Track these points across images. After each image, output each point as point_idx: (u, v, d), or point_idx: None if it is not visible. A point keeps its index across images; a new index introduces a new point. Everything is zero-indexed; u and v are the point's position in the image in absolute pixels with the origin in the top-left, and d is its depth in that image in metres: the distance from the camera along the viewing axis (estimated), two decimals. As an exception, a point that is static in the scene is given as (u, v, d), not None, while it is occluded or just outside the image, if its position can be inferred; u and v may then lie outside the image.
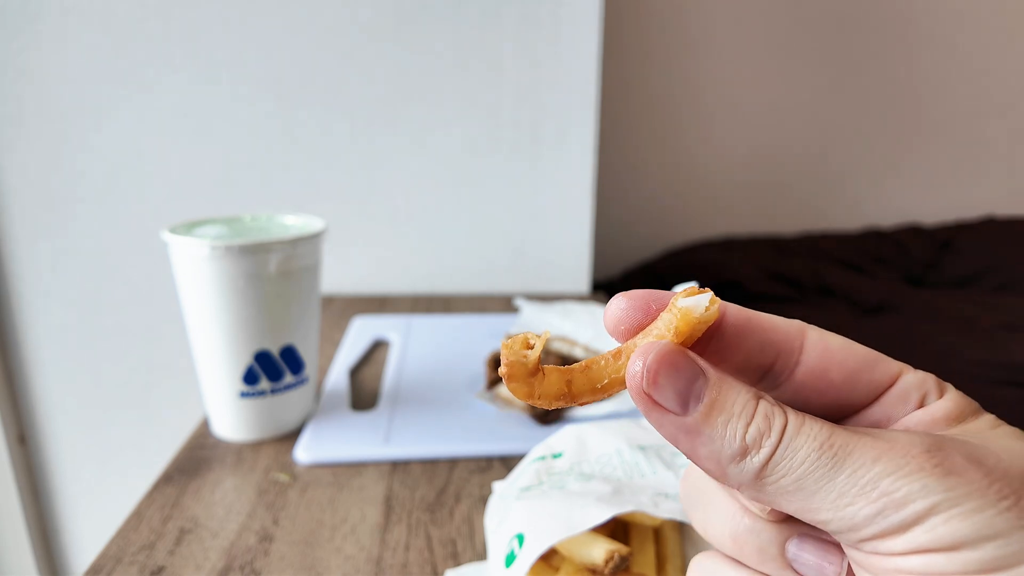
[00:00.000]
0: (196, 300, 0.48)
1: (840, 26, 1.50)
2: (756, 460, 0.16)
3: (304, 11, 0.82)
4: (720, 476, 0.17)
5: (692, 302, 0.18)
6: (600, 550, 0.32)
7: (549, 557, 0.34)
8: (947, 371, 0.94)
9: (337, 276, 0.92)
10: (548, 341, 0.62)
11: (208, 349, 0.49)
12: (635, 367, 0.17)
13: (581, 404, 0.19)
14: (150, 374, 0.92)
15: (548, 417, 0.54)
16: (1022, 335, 1.01)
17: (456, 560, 0.40)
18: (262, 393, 0.51)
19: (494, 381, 0.58)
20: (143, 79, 0.83)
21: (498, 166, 0.90)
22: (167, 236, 0.48)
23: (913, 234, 1.45)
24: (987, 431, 0.18)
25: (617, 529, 0.35)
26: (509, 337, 0.18)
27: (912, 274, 1.36)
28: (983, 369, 0.92)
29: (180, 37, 0.82)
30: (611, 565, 0.31)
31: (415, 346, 0.71)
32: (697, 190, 1.55)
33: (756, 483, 0.17)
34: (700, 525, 0.21)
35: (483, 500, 0.45)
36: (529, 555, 0.31)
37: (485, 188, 0.90)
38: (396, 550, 0.41)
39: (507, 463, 0.50)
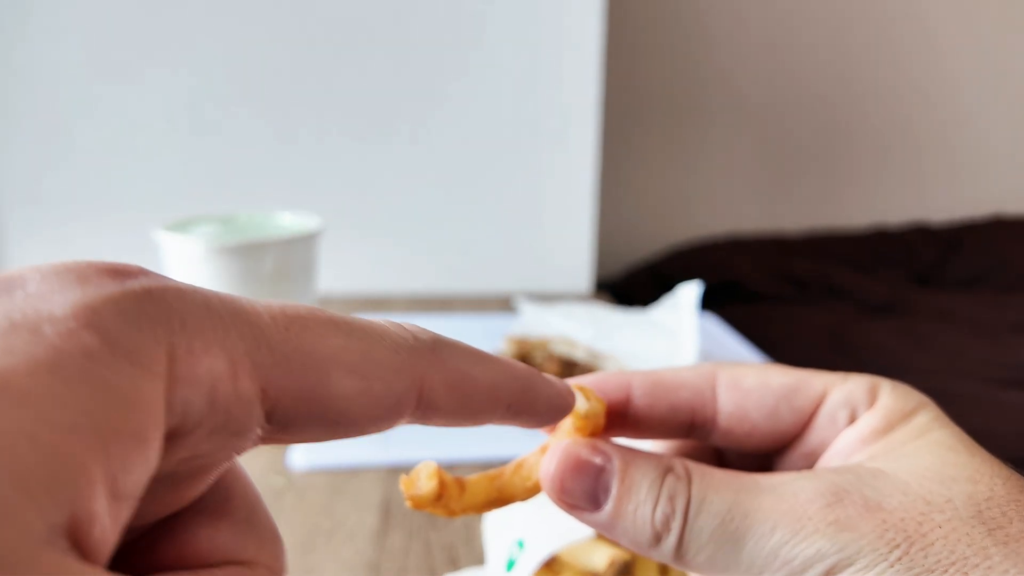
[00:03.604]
0: (190, 300, 0.48)
1: (846, 22, 1.50)
2: (669, 543, 0.17)
3: (301, 7, 0.82)
4: (647, 555, 0.18)
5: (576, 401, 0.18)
6: (602, 556, 0.31)
7: (550, 563, 0.33)
8: (954, 371, 0.94)
9: (334, 276, 0.91)
10: (549, 343, 0.62)
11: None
12: (545, 472, 0.18)
13: (512, 503, 0.19)
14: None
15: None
16: (1030, 335, 1.00)
17: (455, 565, 0.40)
18: (257, 395, 0.50)
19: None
20: (137, 76, 0.82)
21: (498, 164, 0.89)
22: (161, 235, 0.47)
23: (920, 234, 1.45)
24: (909, 444, 0.17)
25: None
26: (404, 477, 0.18)
27: (919, 274, 1.35)
28: (990, 369, 0.92)
29: (175, 34, 0.81)
30: (613, 571, 0.31)
31: (415, 347, 0.70)
32: (702, 188, 1.55)
33: (679, 562, 0.17)
34: None
35: (483, 504, 0.45)
36: (530, 561, 0.30)
37: (484, 187, 0.90)
38: (394, 555, 0.40)
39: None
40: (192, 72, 0.83)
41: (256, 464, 0.49)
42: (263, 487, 0.46)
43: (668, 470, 0.17)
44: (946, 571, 0.14)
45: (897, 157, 1.61)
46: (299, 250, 0.50)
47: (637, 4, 1.39)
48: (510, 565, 0.31)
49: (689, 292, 0.62)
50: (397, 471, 0.49)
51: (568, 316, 0.71)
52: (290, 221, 0.54)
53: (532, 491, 0.19)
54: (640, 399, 0.19)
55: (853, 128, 1.57)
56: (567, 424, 0.18)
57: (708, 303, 1.09)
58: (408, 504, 0.18)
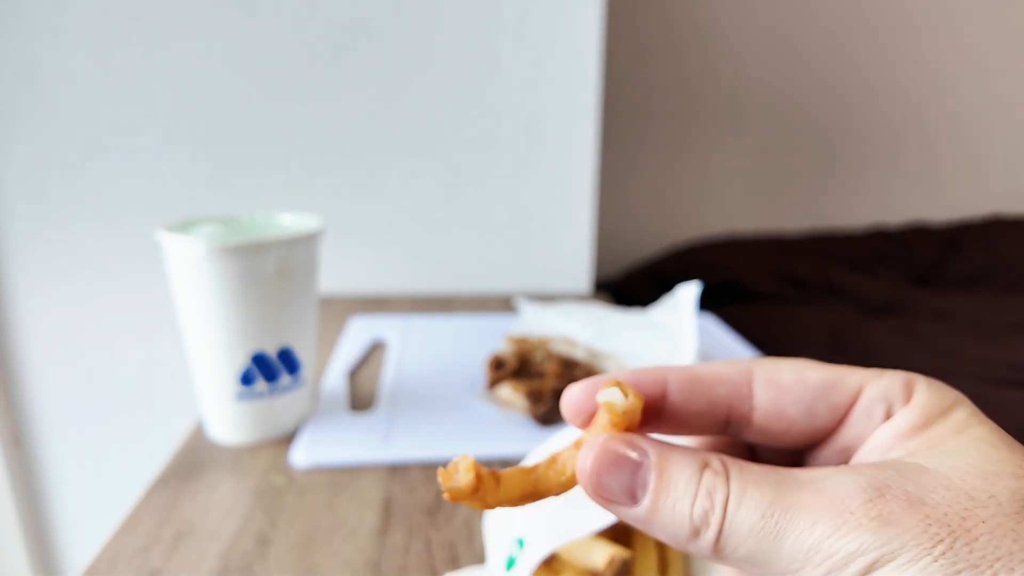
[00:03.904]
0: (191, 301, 0.48)
1: (845, 25, 1.50)
2: (708, 537, 0.17)
3: (302, 9, 0.82)
4: (684, 549, 0.18)
5: (611, 396, 0.18)
6: (602, 555, 0.32)
7: (550, 561, 0.33)
8: (953, 371, 0.94)
9: (335, 276, 0.92)
10: (549, 342, 0.62)
11: (203, 350, 0.49)
12: (582, 468, 0.18)
13: (546, 497, 0.19)
14: (146, 376, 0.91)
15: (549, 419, 0.54)
16: (1029, 335, 1.00)
17: (456, 564, 0.40)
18: (259, 395, 0.50)
19: (494, 382, 0.57)
20: (139, 77, 0.82)
21: (497, 165, 0.89)
22: (162, 235, 0.47)
23: (919, 234, 1.45)
24: (950, 440, 0.17)
25: (619, 533, 0.35)
26: (441, 469, 0.18)
27: (918, 274, 1.35)
28: (990, 369, 0.92)
29: (176, 35, 0.81)
30: (612, 570, 0.31)
31: (414, 347, 0.70)
32: (701, 189, 1.55)
33: (717, 556, 0.17)
34: None
35: (483, 503, 0.45)
36: (530, 560, 0.30)
37: (484, 187, 0.90)
38: (395, 554, 0.40)
39: (507, 465, 0.49)
40: (193, 74, 0.83)
41: (258, 463, 0.49)
42: (265, 486, 0.47)
43: (706, 465, 0.17)
44: (991, 566, 0.14)
45: (896, 158, 1.61)
46: (300, 250, 0.50)
47: (636, 6, 1.39)
48: (510, 564, 0.32)
49: (688, 292, 0.62)
50: (397, 470, 0.49)
51: (568, 316, 0.71)
52: (291, 222, 0.54)
53: (567, 485, 0.19)
54: (676, 395, 0.19)
55: (852, 129, 1.57)
56: (603, 419, 0.18)
57: (707, 303, 1.10)
58: (445, 496, 0.18)
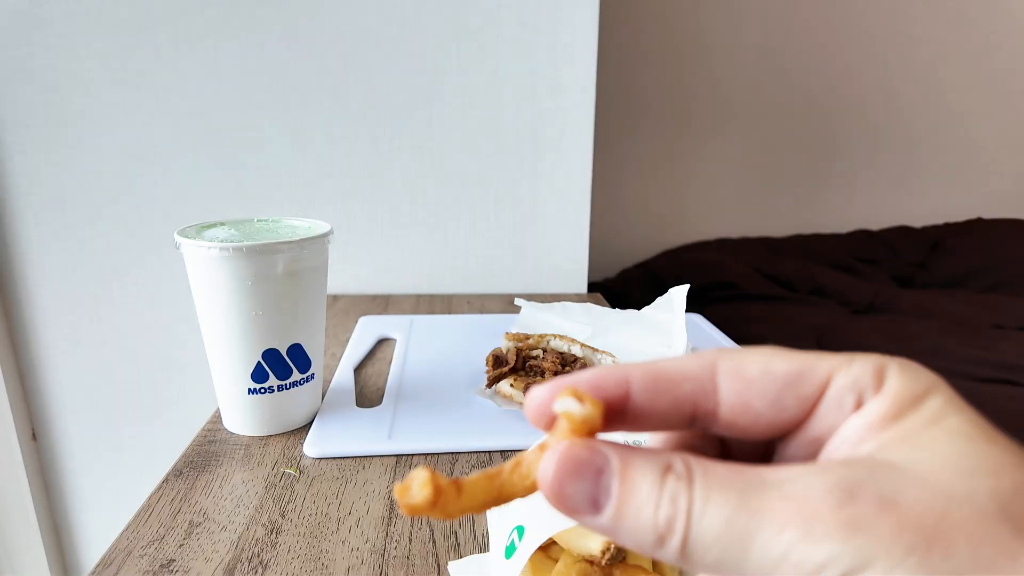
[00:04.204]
0: (207, 300, 0.49)
1: (832, 35, 1.51)
2: (673, 545, 0.16)
3: (311, 19, 0.83)
4: (651, 556, 0.17)
5: (567, 405, 0.18)
6: (597, 541, 0.32)
7: (548, 548, 0.34)
8: (937, 369, 0.95)
9: (343, 276, 0.93)
10: (547, 339, 0.63)
11: (218, 347, 0.51)
12: (543, 478, 0.17)
13: (511, 501, 0.19)
14: (159, 372, 0.93)
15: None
16: (1010, 333, 1.02)
17: (458, 552, 0.41)
18: (270, 390, 0.52)
19: (494, 378, 0.59)
20: (152, 83, 0.83)
21: (499, 170, 0.91)
22: (177, 238, 0.49)
23: (903, 235, 1.46)
24: (924, 433, 0.16)
25: None
26: (398, 485, 0.18)
27: (902, 274, 1.37)
28: (972, 367, 0.94)
29: (188, 42, 0.83)
30: (608, 556, 0.32)
31: (418, 344, 0.72)
32: (692, 193, 1.56)
33: (684, 563, 0.16)
34: None
35: (484, 494, 0.46)
36: (528, 546, 0.31)
37: (486, 191, 0.92)
38: (400, 542, 0.41)
39: (507, 457, 0.50)
40: (205, 82, 0.84)
41: (269, 455, 0.51)
42: (276, 476, 0.48)
43: (668, 468, 0.16)
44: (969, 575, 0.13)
45: (881, 163, 1.63)
46: (310, 251, 0.51)
47: (629, 17, 1.40)
48: (509, 552, 0.32)
49: (679, 292, 0.64)
50: (402, 461, 0.50)
51: (565, 315, 0.73)
52: (301, 224, 0.56)
53: (531, 489, 0.18)
54: (640, 395, 0.18)
55: (838, 136, 1.59)
56: (563, 426, 0.18)
57: (697, 302, 1.11)
58: (403, 512, 0.17)
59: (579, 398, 0.18)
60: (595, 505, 0.17)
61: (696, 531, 0.15)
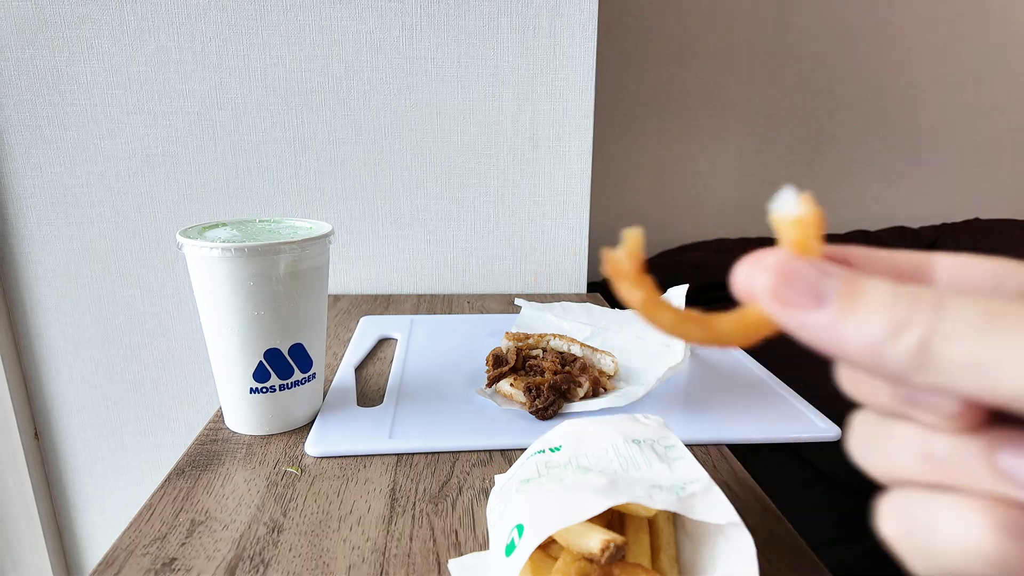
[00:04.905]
0: (209, 300, 0.50)
1: (831, 32, 1.51)
2: (910, 338, 0.14)
3: (313, 22, 0.84)
4: (879, 363, 0.14)
5: (787, 206, 0.16)
6: (596, 540, 0.32)
7: (547, 546, 0.34)
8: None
9: (344, 276, 0.93)
10: (547, 339, 0.63)
11: (220, 347, 0.51)
12: (763, 263, 0.16)
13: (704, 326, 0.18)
14: (161, 372, 0.93)
15: (547, 412, 0.55)
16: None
17: (459, 550, 0.41)
18: (272, 389, 0.52)
19: (494, 377, 0.59)
20: (155, 85, 0.84)
21: (499, 170, 0.91)
22: (179, 238, 0.49)
23: (900, 234, 1.46)
24: None
25: (613, 520, 0.36)
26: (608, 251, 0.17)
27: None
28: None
29: (191, 45, 0.83)
30: (607, 554, 0.32)
31: (419, 344, 0.72)
32: (690, 193, 1.56)
33: (923, 361, 0.14)
34: (883, 467, 0.18)
35: (484, 492, 0.46)
36: (528, 544, 0.31)
37: (486, 192, 0.92)
38: (401, 540, 0.42)
39: (507, 456, 0.51)
40: (210, 85, 0.84)
41: (271, 454, 0.51)
42: (278, 474, 0.49)
43: (900, 277, 0.15)
44: None
45: (878, 165, 1.63)
46: (311, 252, 0.51)
47: (628, 16, 1.41)
48: (509, 550, 0.32)
49: (678, 292, 0.64)
50: (402, 460, 0.50)
51: (565, 315, 0.73)
52: (303, 225, 0.56)
53: (748, 329, 0.17)
54: (858, 260, 0.17)
55: (836, 137, 1.59)
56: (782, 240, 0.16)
57: (696, 302, 1.11)
58: (607, 272, 0.17)
59: (798, 201, 0.16)
60: (817, 297, 0.15)
61: (947, 317, 0.13)
